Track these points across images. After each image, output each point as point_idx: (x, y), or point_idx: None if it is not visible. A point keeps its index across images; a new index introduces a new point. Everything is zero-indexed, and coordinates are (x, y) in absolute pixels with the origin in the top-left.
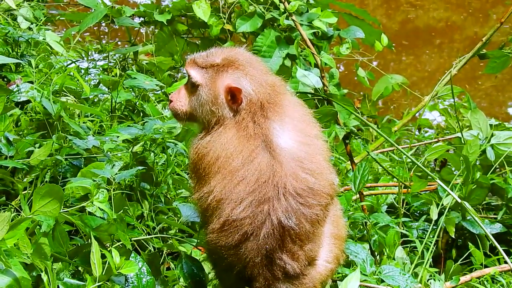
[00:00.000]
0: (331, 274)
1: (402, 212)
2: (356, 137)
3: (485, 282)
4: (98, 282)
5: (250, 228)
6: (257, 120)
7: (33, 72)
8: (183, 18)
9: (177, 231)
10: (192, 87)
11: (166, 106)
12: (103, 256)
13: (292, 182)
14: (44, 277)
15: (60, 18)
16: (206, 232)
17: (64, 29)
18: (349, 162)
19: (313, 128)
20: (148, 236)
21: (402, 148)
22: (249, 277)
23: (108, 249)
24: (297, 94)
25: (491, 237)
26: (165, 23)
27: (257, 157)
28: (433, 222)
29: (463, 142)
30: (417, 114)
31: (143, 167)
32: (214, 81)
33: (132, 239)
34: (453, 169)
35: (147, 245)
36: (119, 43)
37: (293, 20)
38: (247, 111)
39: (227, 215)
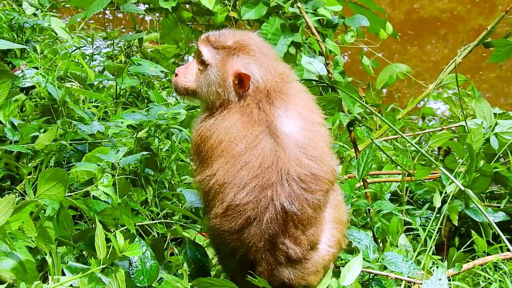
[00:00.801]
0: (333, 258)
1: (406, 200)
2: (360, 125)
3: (488, 270)
4: (102, 265)
5: (253, 213)
6: (262, 106)
7: (38, 58)
8: (188, 5)
9: (181, 217)
10: (202, 65)
11: (171, 93)
12: (107, 240)
13: (295, 168)
14: (48, 259)
15: (65, 5)
16: (209, 217)
17: (69, 16)
18: (353, 150)
19: (317, 115)
20: (152, 222)
21: (406, 136)
22: (252, 262)
23: (113, 233)
24: (302, 81)
25: (494, 225)
26: (170, 10)
27: (260, 143)
28: (436, 210)
29: (467, 130)
30: (421, 103)
31: (147, 153)
32: (224, 64)
33: (136, 224)
34: (456, 157)
35: (151, 231)
36: (123, 30)
37: (298, 8)
38: (252, 98)
39: (230, 200)
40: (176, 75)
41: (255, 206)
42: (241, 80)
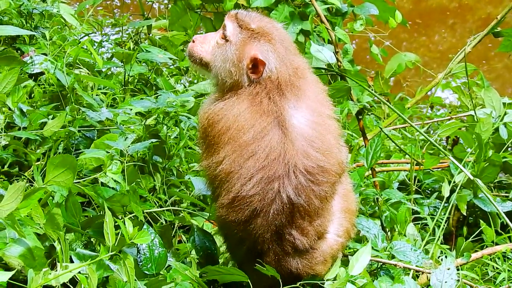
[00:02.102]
0: (342, 248)
1: (414, 189)
2: (369, 113)
3: (497, 260)
4: (110, 252)
5: (259, 205)
6: (272, 97)
7: (47, 44)
8: None
9: (189, 204)
10: (221, 39)
11: (179, 80)
12: (115, 227)
13: (303, 160)
14: (57, 246)
15: None
16: (216, 207)
17: (78, 2)
18: (361, 138)
19: (327, 108)
20: (160, 209)
21: (415, 125)
22: (260, 252)
23: (121, 220)
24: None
25: (503, 214)
26: None
27: (268, 134)
28: (444, 199)
29: (476, 120)
30: (429, 92)
31: (156, 140)
32: (244, 45)
33: (144, 211)
34: (465, 147)
35: (159, 218)
36: (130, 17)
37: None
38: (263, 87)
39: (237, 191)
40: (193, 41)
41: (262, 198)
42: (256, 65)
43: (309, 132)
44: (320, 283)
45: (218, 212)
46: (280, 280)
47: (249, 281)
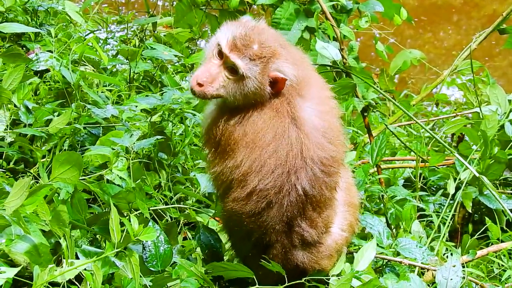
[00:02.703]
0: (346, 242)
1: (419, 186)
2: (374, 110)
3: (502, 257)
4: (116, 249)
5: (275, 197)
6: (293, 100)
7: (52, 41)
8: None
9: (194, 201)
10: (232, 73)
11: (184, 77)
12: (121, 224)
13: (318, 152)
14: (63, 243)
15: None
16: (225, 200)
17: (83, 0)
18: (366, 135)
19: (326, 91)
20: (165, 206)
21: (420, 121)
22: (267, 244)
23: (127, 217)
24: (316, 67)
25: (508, 212)
26: None
27: (287, 132)
28: (450, 196)
29: (481, 117)
30: (435, 89)
31: (161, 137)
32: (263, 73)
33: (149, 208)
34: (471, 143)
35: (164, 215)
36: (135, 14)
37: None
38: (283, 95)
39: (254, 185)
40: (201, 85)
41: (278, 190)
42: (276, 82)
43: (320, 123)
44: (326, 278)
45: (229, 206)
46: (285, 275)
47: (254, 277)
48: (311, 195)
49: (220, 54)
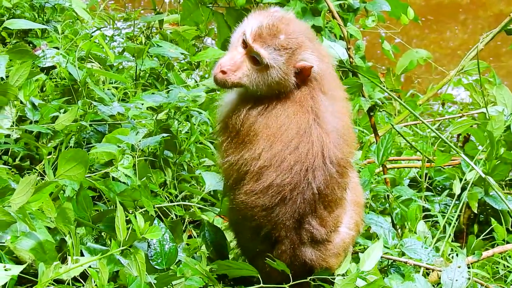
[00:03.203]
0: (352, 241)
1: (425, 186)
2: (381, 110)
3: (507, 258)
4: (122, 247)
5: (289, 194)
6: (316, 94)
7: (59, 38)
8: None
9: (199, 199)
10: (256, 63)
11: (190, 75)
12: (126, 222)
13: (336, 152)
14: (68, 240)
15: None
16: (236, 193)
17: None
18: (372, 135)
19: (344, 97)
20: (170, 204)
21: (426, 121)
22: (275, 240)
23: (132, 214)
24: None
25: None
26: None
27: (310, 129)
28: (455, 197)
29: (487, 117)
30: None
31: (167, 135)
32: (288, 63)
33: (155, 206)
34: (477, 144)
35: (169, 213)
36: (142, 12)
37: None
38: (306, 88)
39: (272, 179)
40: (224, 72)
41: (294, 187)
42: (301, 72)
43: (339, 123)
44: (331, 278)
45: (239, 199)
46: (290, 274)
47: (259, 276)
48: (324, 194)
49: (244, 43)
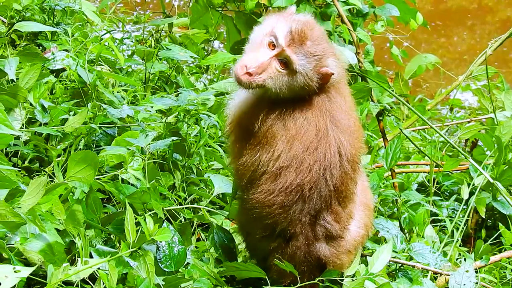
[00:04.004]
0: (363, 241)
1: (433, 191)
2: (389, 115)
3: None
4: (131, 249)
5: (308, 193)
6: (333, 97)
7: (69, 40)
8: None
9: (208, 202)
10: (284, 67)
11: (199, 78)
12: (136, 224)
13: (351, 149)
14: (77, 242)
15: None
16: (251, 192)
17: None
18: (381, 139)
19: (348, 92)
20: (179, 206)
21: (435, 126)
22: (290, 237)
23: (141, 217)
24: None
25: None
26: None
27: (327, 131)
28: (463, 201)
29: (495, 122)
30: (449, 95)
31: (176, 138)
32: (314, 70)
33: (163, 208)
34: (485, 149)
35: (178, 216)
36: (151, 15)
37: None
38: (324, 91)
39: (292, 180)
40: (250, 74)
41: (313, 185)
42: (322, 78)
43: (350, 120)
44: (339, 279)
45: (255, 198)
46: (298, 276)
47: (269, 275)
48: (340, 191)
49: (273, 45)
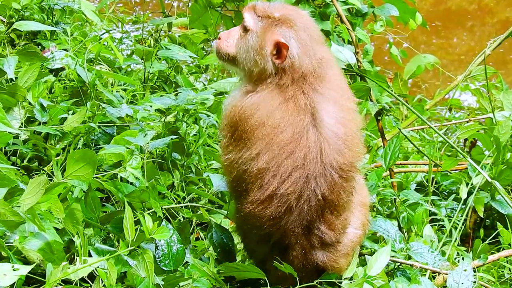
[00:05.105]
0: (360, 241)
1: (431, 191)
2: (388, 114)
3: None
4: (130, 247)
5: (295, 202)
6: (306, 91)
7: (68, 40)
8: None
9: (206, 201)
10: (243, 31)
11: (198, 78)
12: (135, 223)
13: (337, 158)
14: (76, 241)
15: None
16: (243, 202)
17: None
18: (380, 139)
19: (351, 102)
20: (178, 205)
21: (433, 126)
22: (286, 246)
23: (140, 216)
24: None
25: None
26: None
27: (306, 133)
28: (462, 201)
29: (494, 122)
30: (448, 95)
31: (175, 137)
32: (265, 32)
33: (162, 207)
34: (483, 149)
35: (176, 215)
36: (150, 15)
37: None
38: (289, 77)
39: (274, 188)
40: (219, 38)
41: (299, 196)
42: (279, 51)
43: (341, 129)
44: (338, 282)
45: (248, 208)
46: (297, 278)
47: (268, 278)
48: (330, 200)
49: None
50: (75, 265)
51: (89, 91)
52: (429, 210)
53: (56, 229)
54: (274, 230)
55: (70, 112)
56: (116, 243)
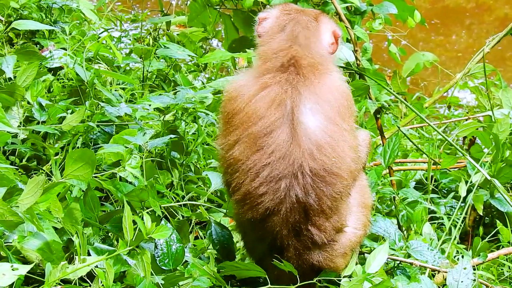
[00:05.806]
0: (360, 241)
1: (431, 189)
2: (387, 112)
3: None
4: (129, 247)
5: (271, 204)
6: (286, 87)
7: (66, 39)
8: None
9: (206, 200)
10: None
11: (197, 76)
12: (133, 222)
13: (309, 162)
14: (75, 240)
15: None
16: (233, 202)
17: None
18: (379, 137)
19: (345, 120)
20: (177, 204)
21: (432, 124)
22: (280, 247)
23: (139, 215)
24: None
25: None
26: None
27: (276, 130)
28: (461, 199)
29: (493, 120)
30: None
31: (174, 136)
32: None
33: (161, 206)
34: (482, 146)
35: (176, 214)
36: (149, 13)
37: None
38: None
39: (246, 186)
40: None
41: (272, 197)
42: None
43: (318, 135)
44: (337, 279)
45: (235, 209)
46: (297, 276)
47: (267, 277)
48: (308, 203)
49: None
50: (74, 264)
51: (87, 90)
52: (429, 208)
53: (55, 228)
54: (265, 233)
55: (69, 111)
56: (115, 243)
